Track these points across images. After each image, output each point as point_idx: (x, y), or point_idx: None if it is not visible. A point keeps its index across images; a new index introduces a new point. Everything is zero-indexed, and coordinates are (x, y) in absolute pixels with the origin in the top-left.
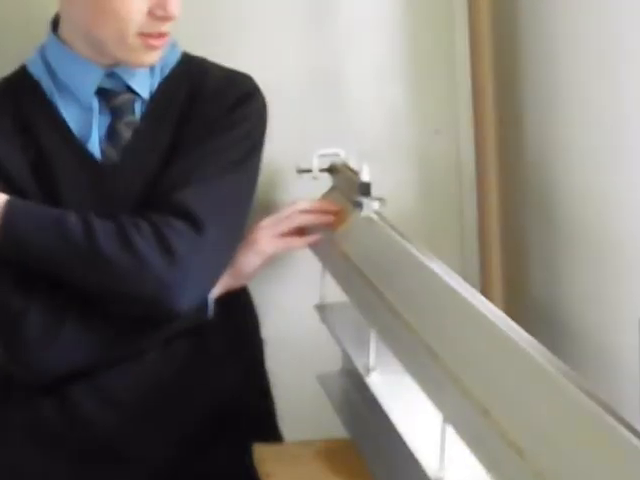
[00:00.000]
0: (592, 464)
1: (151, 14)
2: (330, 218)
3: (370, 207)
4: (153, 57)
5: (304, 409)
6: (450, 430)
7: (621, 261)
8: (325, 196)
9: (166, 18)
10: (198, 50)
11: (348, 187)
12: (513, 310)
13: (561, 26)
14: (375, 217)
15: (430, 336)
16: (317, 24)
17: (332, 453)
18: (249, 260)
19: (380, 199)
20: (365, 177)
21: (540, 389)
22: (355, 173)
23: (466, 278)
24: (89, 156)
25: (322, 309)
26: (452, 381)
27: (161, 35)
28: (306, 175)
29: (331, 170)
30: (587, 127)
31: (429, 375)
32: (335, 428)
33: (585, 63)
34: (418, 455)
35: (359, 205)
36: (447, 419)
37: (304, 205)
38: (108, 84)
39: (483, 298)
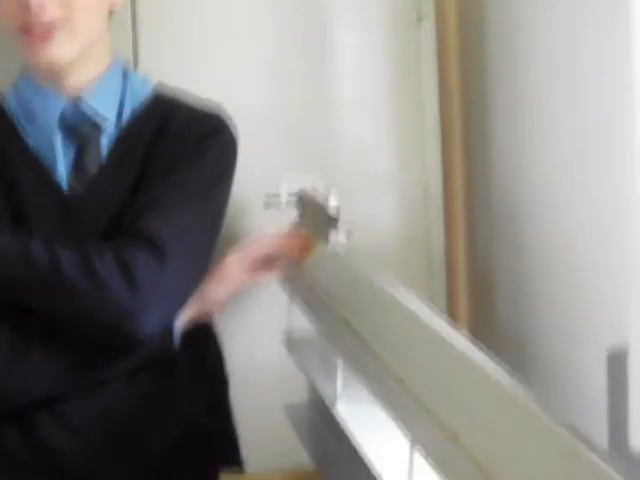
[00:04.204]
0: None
1: (21, 5)
2: (297, 249)
3: (337, 238)
4: (47, 53)
5: (270, 439)
6: (418, 458)
7: (588, 293)
8: (292, 227)
9: (27, 5)
10: (166, 78)
11: (316, 218)
12: (480, 341)
13: (528, 66)
14: (342, 248)
15: (397, 364)
16: (287, 54)
17: None
18: (217, 291)
19: (347, 230)
20: (332, 209)
21: (508, 414)
22: (323, 204)
23: (433, 306)
24: (56, 187)
25: (289, 340)
26: (420, 408)
27: (42, 27)
28: (273, 206)
29: (298, 201)
30: (554, 161)
31: (397, 402)
32: (301, 458)
33: (553, 100)
34: None
35: (326, 236)
36: (415, 446)
37: (271, 236)
38: (73, 117)
39: (450, 326)
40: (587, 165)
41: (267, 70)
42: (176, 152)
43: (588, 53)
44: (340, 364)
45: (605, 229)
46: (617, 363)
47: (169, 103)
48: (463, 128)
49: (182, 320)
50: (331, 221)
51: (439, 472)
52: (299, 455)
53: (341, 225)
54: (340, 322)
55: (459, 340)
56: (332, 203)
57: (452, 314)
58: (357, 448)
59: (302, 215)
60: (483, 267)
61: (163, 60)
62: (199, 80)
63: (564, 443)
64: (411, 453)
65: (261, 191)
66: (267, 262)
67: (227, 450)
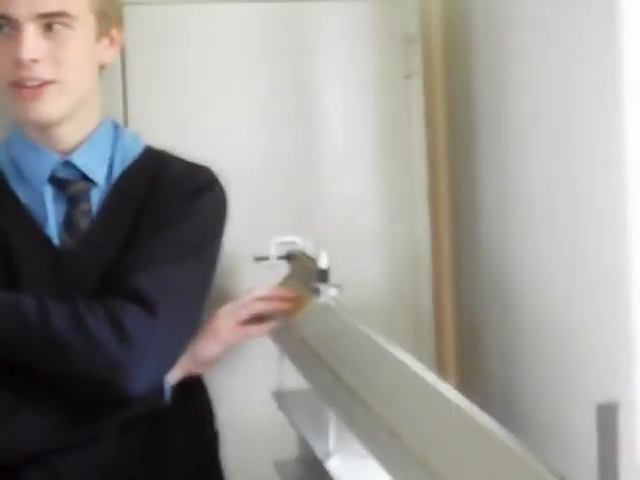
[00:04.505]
0: None
1: (13, 61)
2: (287, 305)
3: (328, 293)
4: (36, 110)
5: None
6: None
7: (576, 350)
8: (282, 284)
9: (19, 62)
10: (156, 136)
11: (306, 274)
12: (468, 394)
13: (516, 123)
14: (332, 303)
15: (391, 418)
16: (276, 114)
17: None
18: (208, 348)
19: (337, 285)
20: (323, 264)
21: (503, 466)
22: (313, 260)
23: (422, 362)
24: (47, 242)
25: (279, 396)
26: (414, 460)
27: (32, 83)
28: (264, 263)
29: (289, 258)
30: (542, 218)
31: (392, 456)
32: None
33: (540, 156)
34: None
35: (317, 292)
36: None
37: (262, 293)
38: (63, 172)
39: (440, 380)
40: (576, 222)
41: (256, 130)
42: (167, 208)
43: (574, 107)
44: (332, 418)
45: (593, 286)
46: (607, 420)
47: (160, 159)
48: (451, 184)
49: (173, 376)
50: (321, 276)
51: None
52: None
53: (331, 280)
54: (332, 376)
55: (451, 393)
56: (322, 258)
57: (441, 370)
58: None
59: (292, 270)
60: (471, 323)
61: (153, 119)
62: (188, 139)
63: None
64: None
65: (250, 249)
66: (258, 318)
67: None
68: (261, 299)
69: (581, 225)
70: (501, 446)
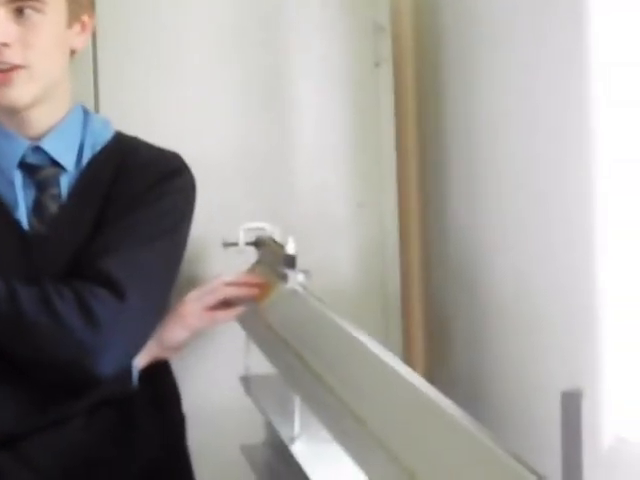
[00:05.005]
0: None
1: None
2: (255, 291)
3: (295, 279)
4: (6, 95)
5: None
6: None
7: (542, 338)
8: (251, 270)
9: None
10: (127, 122)
11: (274, 260)
12: (435, 380)
13: (484, 107)
14: (300, 289)
15: (354, 402)
16: (246, 101)
17: None
18: (176, 333)
19: (305, 271)
20: (290, 250)
21: (464, 451)
22: (281, 246)
23: (388, 348)
24: (17, 226)
25: (247, 381)
26: (378, 445)
27: (2, 67)
28: (232, 249)
29: (257, 244)
30: (509, 205)
31: (355, 440)
32: None
33: (507, 141)
34: None
35: (284, 277)
36: (367, 476)
37: (229, 278)
38: (33, 158)
39: (405, 365)
40: (543, 214)
41: (226, 117)
42: (135, 192)
43: (543, 99)
44: (298, 402)
45: (560, 276)
46: (571, 407)
47: (129, 145)
48: (420, 172)
49: (140, 360)
50: (289, 262)
51: None
52: None
53: (299, 266)
54: (298, 361)
55: (415, 378)
56: (290, 244)
57: (408, 356)
58: None
59: (261, 256)
60: (439, 310)
61: (124, 105)
62: (159, 126)
63: (513, 474)
64: None
65: (219, 235)
66: (225, 304)
67: None
68: (229, 284)
69: (549, 216)
70: (464, 433)
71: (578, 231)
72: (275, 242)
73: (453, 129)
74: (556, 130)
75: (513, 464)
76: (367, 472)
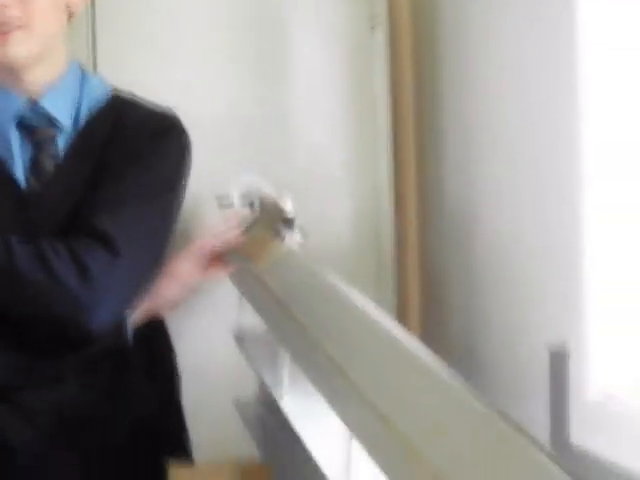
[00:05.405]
0: (494, 472)
1: None
2: (250, 247)
3: (293, 240)
4: (5, 53)
5: (221, 435)
6: (357, 445)
7: (531, 293)
8: (248, 229)
9: None
10: (124, 80)
11: (271, 219)
12: (428, 337)
13: (481, 70)
14: (296, 249)
15: (343, 359)
16: (243, 59)
17: (246, 474)
18: (169, 290)
19: (302, 231)
20: (288, 210)
21: (450, 407)
22: (278, 206)
23: (381, 306)
24: (14, 183)
25: (240, 338)
26: (358, 398)
27: (1, 28)
28: (226, 207)
29: (252, 201)
30: (504, 164)
31: (341, 397)
32: (251, 451)
33: (503, 106)
34: (325, 470)
35: (282, 237)
36: (352, 432)
37: (219, 230)
38: (31, 118)
39: (395, 322)
40: (536, 175)
41: (222, 73)
42: (131, 151)
43: (534, 60)
44: (287, 359)
45: (549, 237)
46: (558, 365)
47: (125, 103)
48: (416, 130)
49: (135, 316)
50: (288, 223)
51: (375, 459)
52: (249, 448)
53: (297, 225)
54: (288, 317)
55: (405, 336)
56: (288, 203)
57: (401, 315)
58: (300, 438)
59: (258, 216)
60: (433, 271)
61: (120, 63)
62: (156, 83)
63: (495, 427)
64: (349, 442)
65: (213, 192)
66: (219, 259)
67: (177, 443)
68: (221, 239)
69: (541, 182)
70: (452, 389)
71: (567, 194)
72: (273, 200)
73: (449, 89)
74: (547, 88)
75: (490, 414)
76: (353, 430)
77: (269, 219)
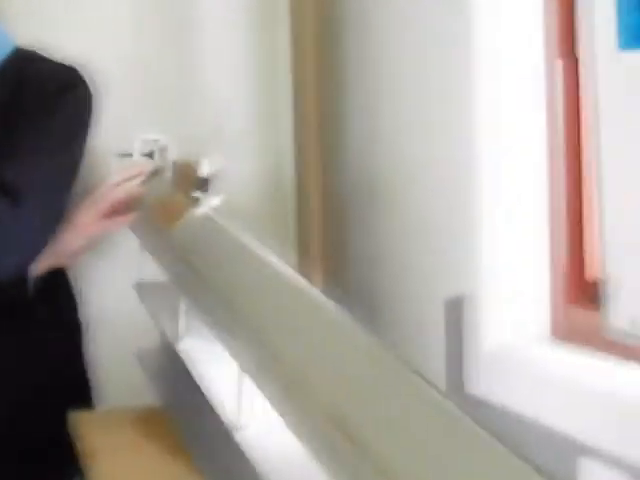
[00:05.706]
0: (387, 405)
1: None
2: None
3: (208, 204)
4: None
5: (125, 384)
6: (249, 382)
7: (428, 243)
8: (145, 176)
9: None
10: (24, 33)
11: (185, 181)
12: (331, 285)
13: (383, 20)
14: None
15: (238, 302)
16: (146, 13)
17: (145, 420)
18: (71, 241)
19: (219, 195)
20: (204, 172)
21: (348, 351)
22: (193, 167)
23: (284, 255)
24: None
25: (140, 288)
26: (249, 335)
27: None
28: (128, 159)
29: (151, 155)
30: (407, 119)
31: (228, 332)
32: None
33: (403, 56)
34: (218, 407)
35: (196, 200)
36: (242, 368)
37: (118, 177)
38: None
39: (291, 269)
40: (428, 122)
41: (125, 27)
42: (34, 104)
43: (434, 49)
44: (183, 304)
45: (444, 186)
46: (453, 314)
47: (27, 58)
48: (318, 81)
49: (37, 267)
50: (202, 184)
51: (266, 395)
52: (153, 397)
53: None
54: (185, 265)
55: (293, 277)
56: (204, 165)
57: (304, 262)
58: (195, 381)
59: (173, 178)
60: (336, 218)
61: (21, 16)
62: (56, 36)
63: (390, 364)
64: (240, 375)
65: (116, 145)
66: (120, 210)
67: (81, 393)
68: (120, 189)
69: (433, 124)
70: (345, 328)
71: (467, 158)
72: (188, 163)
73: (351, 41)
74: (442, 68)
75: (392, 359)
76: (238, 361)
77: (183, 182)
